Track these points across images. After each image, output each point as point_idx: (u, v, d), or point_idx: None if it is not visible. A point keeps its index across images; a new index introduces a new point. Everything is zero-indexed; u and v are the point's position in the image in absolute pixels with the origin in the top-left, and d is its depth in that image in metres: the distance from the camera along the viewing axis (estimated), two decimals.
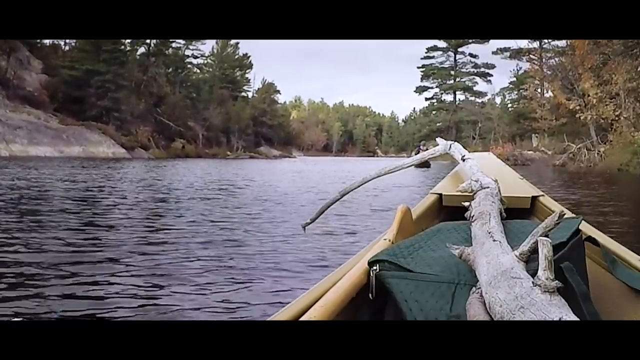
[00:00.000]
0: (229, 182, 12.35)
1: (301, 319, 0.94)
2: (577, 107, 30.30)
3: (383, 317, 1.13)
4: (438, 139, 2.72)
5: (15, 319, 2.33)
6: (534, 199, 2.02)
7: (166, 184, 11.17)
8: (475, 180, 1.67)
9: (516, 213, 1.77)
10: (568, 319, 0.75)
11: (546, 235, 0.89)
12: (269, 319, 0.98)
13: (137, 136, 41.70)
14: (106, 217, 5.82)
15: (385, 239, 1.38)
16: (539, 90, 41.22)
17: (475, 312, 0.91)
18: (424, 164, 21.06)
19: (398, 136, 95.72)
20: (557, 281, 0.81)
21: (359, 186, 2.55)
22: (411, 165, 2.66)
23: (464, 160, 2.23)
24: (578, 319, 0.76)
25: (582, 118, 29.96)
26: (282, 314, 0.99)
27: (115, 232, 4.82)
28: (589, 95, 29.41)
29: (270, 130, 64.27)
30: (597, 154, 28.50)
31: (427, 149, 3.96)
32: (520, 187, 2.15)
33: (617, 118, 28.04)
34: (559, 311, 0.76)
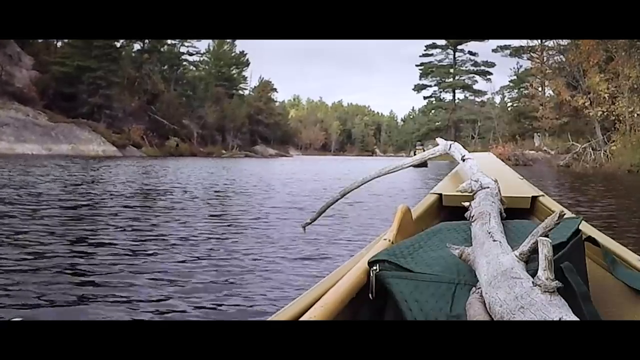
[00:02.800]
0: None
1: (301, 319, 0.95)
2: (587, 104, 29.50)
3: (383, 317, 1.14)
4: (438, 139, 2.74)
5: (15, 319, 2.34)
6: (534, 199, 2.04)
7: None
8: (475, 180, 1.69)
9: (516, 213, 1.79)
10: (568, 319, 0.76)
11: (546, 235, 0.90)
12: (269, 319, 0.99)
13: (129, 134, 41.63)
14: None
15: (385, 239, 1.39)
16: (540, 88, 41.06)
17: (475, 312, 0.92)
18: (422, 164, 21.08)
19: (397, 135, 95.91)
20: (557, 281, 0.82)
21: (359, 186, 2.57)
22: (411, 165, 2.69)
23: (463, 160, 2.25)
24: (578, 319, 0.77)
25: (591, 114, 29.18)
26: (282, 314, 1.00)
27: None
28: (598, 92, 28.69)
29: (266, 128, 64.24)
30: (604, 154, 28.11)
31: (423, 150, 3.96)
32: (520, 187, 2.17)
33: (630, 115, 27.44)
34: (559, 311, 0.77)
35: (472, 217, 1.30)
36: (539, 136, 39.17)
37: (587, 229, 1.47)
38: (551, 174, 20.60)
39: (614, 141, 28.00)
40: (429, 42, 63.66)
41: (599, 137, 29.37)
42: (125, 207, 7.04)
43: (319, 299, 1.03)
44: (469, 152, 2.41)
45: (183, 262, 3.76)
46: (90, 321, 2.41)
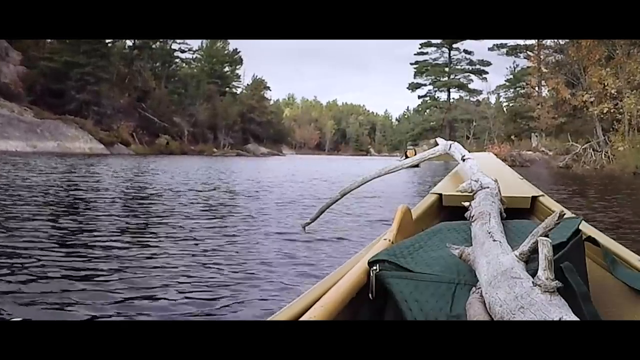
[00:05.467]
0: None
1: (301, 319, 0.97)
2: (592, 99, 28.62)
3: (383, 317, 1.15)
4: (438, 139, 2.77)
5: (15, 319, 2.34)
6: (534, 199, 2.07)
7: None
8: (475, 180, 1.71)
9: (516, 213, 1.82)
10: (568, 319, 0.77)
11: (546, 235, 0.92)
12: (269, 319, 1.00)
13: (118, 131, 41.38)
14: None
15: (385, 239, 1.41)
16: (536, 88, 40.96)
17: (475, 312, 0.93)
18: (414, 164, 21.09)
19: (391, 135, 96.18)
20: (557, 281, 0.83)
21: (359, 186, 2.61)
22: (411, 166, 2.73)
23: (464, 160, 2.27)
24: (578, 319, 0.78)
25: (596, 112, 28.37)
26: (282, 314, 1.01)
27: None
28: (605, 86, 27.74)
29: (258, 127, 64.14)
30: (605, 154, 27.60)
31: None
32: (520, 187, 2.20)
33: (638, 112, 26.56)
34: (559, 311, 0.78)
35: (472, 217, 1.31)
36: (536, 136, 38.93)
37: (587, 229, 1.49)
38: (551, 177, 19.28)
39: (613, 142, 27.67)
40: (423, 40, 63.66)
41: (600, 137, 28.75)
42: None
43: (319, 299, 1.04)
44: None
45: None
46: (90, 321, 2.41)
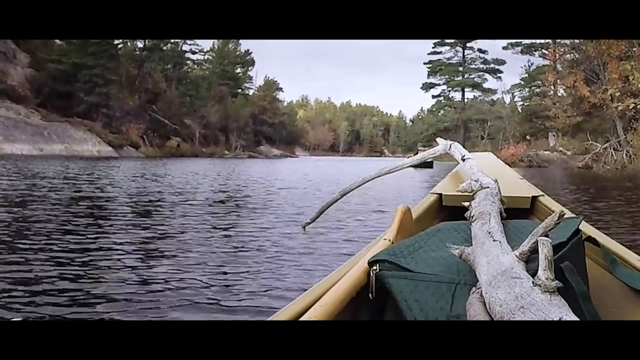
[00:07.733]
0: None
1: (301, 319, 0.98)
2: (617, 94, 28.00)
3: (383, 317, 1.16)
4: (438, 139, 2.78)
5: (15, 319, 2.38)
6: (534, 199, 2.08)
7: None
8: (475, 180, 1.73)
9: (516, 213, 1.82)
10: (568, 319, 0.77)
11: (546, 235, 0.92)
12: (269, 319, 1.01)
13: (127, 133, 41.56)
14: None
15: (385, 239, 1.42)
16: (552, 86, 40.49)
17: (475, 312, 0.94)
18: (427, 165, 21.00)
19: (405, 136, 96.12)
20: (557, 281, 0.84)
21: (359, 186, 2.62)
22: (411, 165, 2.73)
23: (464, 160, 2.28)
24: (578, 319, 0.79)
25: (619, 109, 27.76)
26: (282, 314, 1.03)
27: None
28: (629, 82, 27.19)
29: (270, 128, 64.29)
30: (626, 154, 27.12)
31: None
32: (520, 187, 2.21)
33: None
34: (559, 311, 0.79)
35: (472, 217, 1.32)
36: (554, 136, 38.37)
37: (587, 229, 1.50)
38: (574, 179, 17.84)
39: (631, 141, 27.19)
40: (436, 39, 63.41)
41: (621, 135, 28.26)
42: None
43: (319, 299, 1.05)
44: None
45: None
46: (90, 321, 2.45)
